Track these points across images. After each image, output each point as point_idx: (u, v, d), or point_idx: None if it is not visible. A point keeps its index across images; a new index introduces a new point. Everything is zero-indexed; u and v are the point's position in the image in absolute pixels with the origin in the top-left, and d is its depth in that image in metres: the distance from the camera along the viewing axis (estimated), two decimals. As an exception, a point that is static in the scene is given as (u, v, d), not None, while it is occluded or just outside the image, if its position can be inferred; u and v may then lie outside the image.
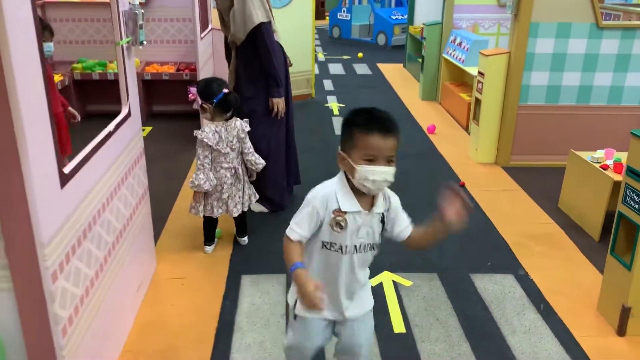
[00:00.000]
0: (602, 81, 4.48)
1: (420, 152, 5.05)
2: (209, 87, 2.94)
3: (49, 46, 3.51)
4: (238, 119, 3.05)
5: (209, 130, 2.91)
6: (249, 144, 3.09)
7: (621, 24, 4.51)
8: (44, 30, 3.45)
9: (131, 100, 2.61)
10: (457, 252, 3.28)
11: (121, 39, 2.45)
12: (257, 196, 3.28)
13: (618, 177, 3.23)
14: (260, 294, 2.83)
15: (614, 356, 2.44)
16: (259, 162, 3.16)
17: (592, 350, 2.45)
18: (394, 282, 2.95)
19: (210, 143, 2.90)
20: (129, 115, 2.56)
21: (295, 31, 6.43)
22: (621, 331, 2.55)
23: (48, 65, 3.60)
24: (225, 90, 2.94)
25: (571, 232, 3.54)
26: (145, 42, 2.64)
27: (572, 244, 3.39)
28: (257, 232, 3.44)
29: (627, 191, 2.49)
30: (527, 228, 3.58)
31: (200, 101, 2.95)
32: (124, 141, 2.50)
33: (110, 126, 2.32)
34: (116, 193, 2.35)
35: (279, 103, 3.48)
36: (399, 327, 2.60)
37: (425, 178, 4.40)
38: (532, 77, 4.46)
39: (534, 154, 4.65)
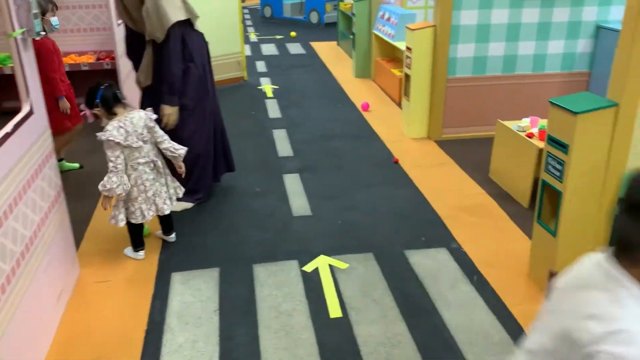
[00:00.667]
0: (526, 50, 4.56)
1: (355, 131, 5.01)
2: (90, 92, 2.81)
3: (55, 20, 3.46)
4: (141, 110, 2.92)
5: (112, 128, 2.72)
6: (160, 132, 2.92)
7: (540, -7, 4.58)
8: (49, 4, 3.41)
9: (33, 97, 2.41)
10: (392, 229, 3.27)
11: (13, 30, 2.25)
12: (183, 189, 3.11)
13: (543, 145, 3.29)
14: (191, 291, 2.72)
15: (544, 321, 2.49)
16: (178, 149, 2.97)
17: (523, 317, 2.50)
18: (330, 266, 2.91)
19: (117, 140, 2.71)
20: (31, 113, 2.37)
21: (221, 13, 6.22)
22: (550, 296, 2.61)
23: (54, 42, 3.55)
24: (103, 86, 2.79)
25: (502, 201, 3.60)
26: (43, 33, 2.44)
27: (503, 213, 3.46)
28: (183, 227, 3.30)
29: (549, 159, 2.53)
30: (459, 200, 3.62)
31: (89, 111, 2.82)
32: (28, 142, 2.32)
33: (8, 127, 2.14)
34: (21, 198, 2.18)
35: (170, 114, 3.22)
36: (335, 311, 2.57)
37: (359, 157, 4.37)
38: (459, 49, 4.48)
39: (465, 125, 4.70)
